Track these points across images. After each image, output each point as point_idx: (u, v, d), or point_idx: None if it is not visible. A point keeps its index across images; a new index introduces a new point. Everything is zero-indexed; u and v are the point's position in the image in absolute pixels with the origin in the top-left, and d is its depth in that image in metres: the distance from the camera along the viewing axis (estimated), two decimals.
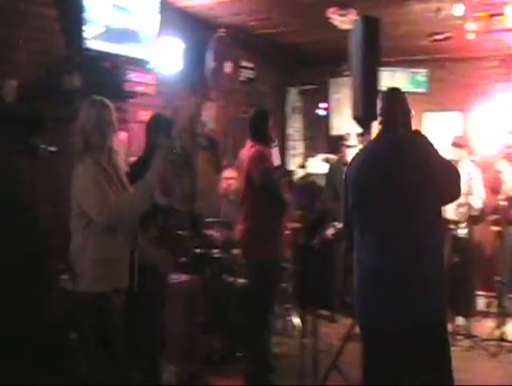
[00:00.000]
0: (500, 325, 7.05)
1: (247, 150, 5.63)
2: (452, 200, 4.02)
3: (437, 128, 9.08)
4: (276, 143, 5.82)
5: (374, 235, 3.67)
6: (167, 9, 6.42)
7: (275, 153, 5.69)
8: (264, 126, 5.69)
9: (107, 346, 3.90)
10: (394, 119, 3.86)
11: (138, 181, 4.03)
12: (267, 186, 5.43)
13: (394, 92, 4.03)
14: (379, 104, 3.95)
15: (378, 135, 3.92)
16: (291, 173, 9.35)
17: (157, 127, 5.01)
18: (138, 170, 4.42)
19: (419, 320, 3.57)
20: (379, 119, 3.92)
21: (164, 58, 6.63)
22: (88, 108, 3.99)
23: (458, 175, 3.75)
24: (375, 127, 4.06)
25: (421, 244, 3.60)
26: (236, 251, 6.36)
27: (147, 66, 6.19)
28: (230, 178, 7.08)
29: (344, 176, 3.98)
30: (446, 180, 3.72)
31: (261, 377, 5.50)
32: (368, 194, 3.71)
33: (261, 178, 5.41)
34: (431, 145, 3.74)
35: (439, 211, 3.76)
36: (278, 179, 5.58)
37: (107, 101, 4.03)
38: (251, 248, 5.61)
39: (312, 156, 9.44)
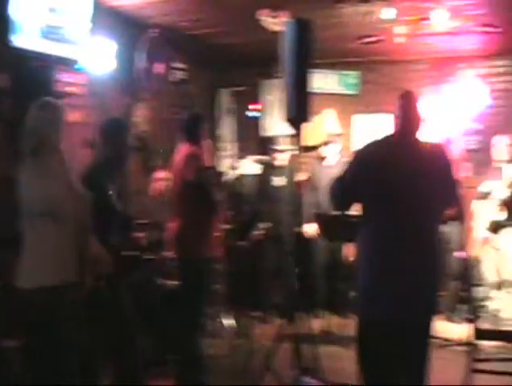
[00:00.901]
0: None
1: (181, 152, 5.65)
2: (448, 209, 4.27)
3: (367, 130, 9.20)
4: (208, 145, 5.84)
5: (394, 233, 3.81)
6: (98, 8, 6.33)
7: (208, 155, 5.71)
8: (198, 129, 5.74)
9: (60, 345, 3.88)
10: (411, 122, 4.02)
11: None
12: (199, 185, 5.46)
13: (412, 96, 4.14)
14: (399, 105, 4.05)
15: (399, 135, 4.04)
16: (222, 174, 9.34)
17: (115, 131, 5.08)
18: (97, 174, 4.71)
19: (430, 315, 3.89)
20: (397, 120, 4.04)
21: (95, 58, 6.54)
22: (40, 110, 3.99)
23: (458, 188, 4.11)
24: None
25: (433, 244, 3.90)
26: (167, 252, 6.32)
27: (78, 66, 6.09)
28: (162, 179, 7.05)
29: (353, 160, 4.05)
30: (453, 190, 4.07)
31: (193, 379, 5.49)
32: (391, 192, 3.83)
33: (193, 176, 5.44)
34: (449, 156, 4.05)
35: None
36: (210, 179, 5.61)
37: (58, 102, 4.04)
38: (182, 247, 5.63)
39: (244, 157, 9.44)
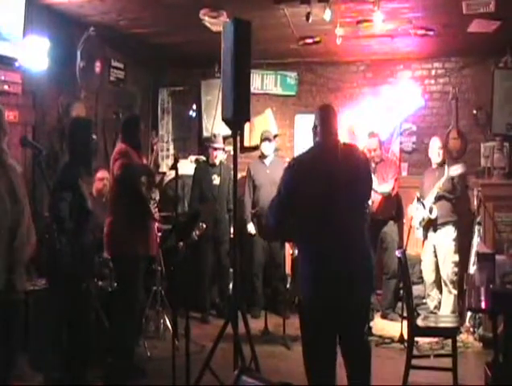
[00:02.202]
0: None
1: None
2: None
3: (308, 129, 9.24)
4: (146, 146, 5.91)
5: (329, 234, 4.07)
6: (34, 5, 6.23)
7: (145, 156, 5.76)
8: (135, 132, 5.85)
9: None
10: (333, 130, 4.36)
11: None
12: (125, 180, 5.50)
13: (331, 108, 4.56)
14: (317, 117, 4.42)
15: (323, 144, 4.35)
16: (161, 174, 9.32)
17: (81, 131, 5.34)
18: (70, 175, 4.99)
19: (364, 308, 4.34)
20: (318, 129, 4.38)
21: (31, 56, 6.42)
22: None
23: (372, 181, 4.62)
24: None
25: (364, 239, 4.25)
26: (104, 253, 6.25)
27: (13, 64, 5.99)
28: (103, 178, 7.00)
29: (286, 177, 4.28)
30: (371, 184, 4.58)
31: (128, 378, 5.51)
32: (323, 197, 4.09)
33: (119, 172, 5.47)
34: (364, 154, 4.58)
35: None
36: (139, 175, 5.67)
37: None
38: (115, 243, 5.69)
39: (184, 157, 9.40)
